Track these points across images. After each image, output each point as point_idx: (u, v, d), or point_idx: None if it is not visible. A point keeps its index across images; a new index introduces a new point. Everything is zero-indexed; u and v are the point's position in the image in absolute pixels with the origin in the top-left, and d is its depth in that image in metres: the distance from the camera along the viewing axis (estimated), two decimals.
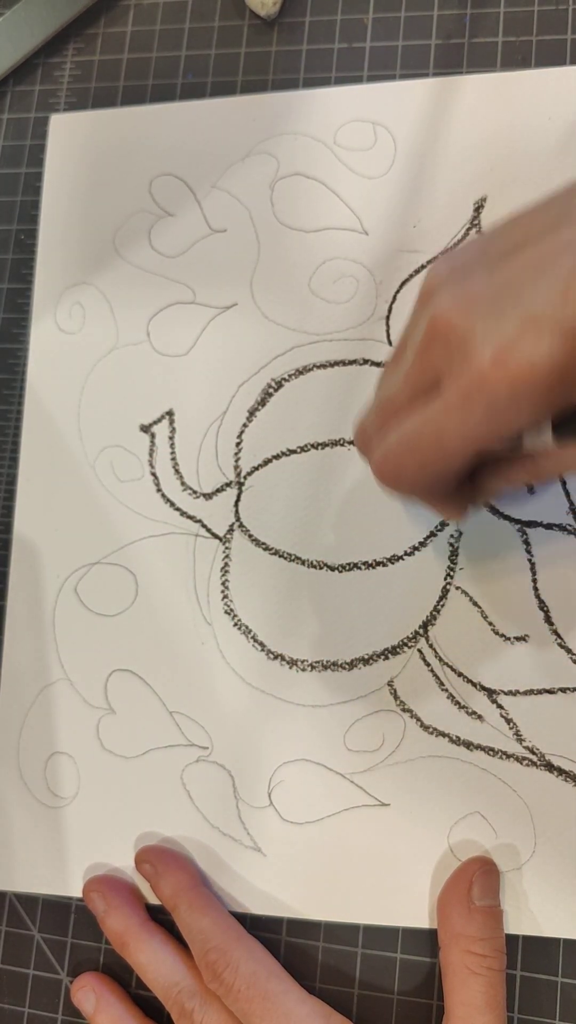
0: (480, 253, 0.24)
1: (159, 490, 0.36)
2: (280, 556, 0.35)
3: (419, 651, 0.33)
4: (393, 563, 0.34)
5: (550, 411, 0.23)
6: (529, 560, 0.33)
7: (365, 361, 0.35)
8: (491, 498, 0.32)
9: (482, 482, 0.28)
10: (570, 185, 0.24)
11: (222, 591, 0.35)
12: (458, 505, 0.28)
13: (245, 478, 0.36)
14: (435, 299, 0.24)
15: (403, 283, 0.35)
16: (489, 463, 0.27)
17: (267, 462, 0.35)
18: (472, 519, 0.33)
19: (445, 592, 0.33)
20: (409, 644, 0.33)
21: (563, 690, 0.32)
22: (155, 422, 0.37)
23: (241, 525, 0.35)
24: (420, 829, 0.32)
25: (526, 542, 0.33)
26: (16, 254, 0.40)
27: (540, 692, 0.32)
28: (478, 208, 0.35)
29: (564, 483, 0.33)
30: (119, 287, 0.38)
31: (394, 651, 0.33)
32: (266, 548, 0.35)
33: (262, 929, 0.32)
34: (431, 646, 0.33)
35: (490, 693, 0.32)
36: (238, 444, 0.36)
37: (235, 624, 0.35)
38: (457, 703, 0.32)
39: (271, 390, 0.36)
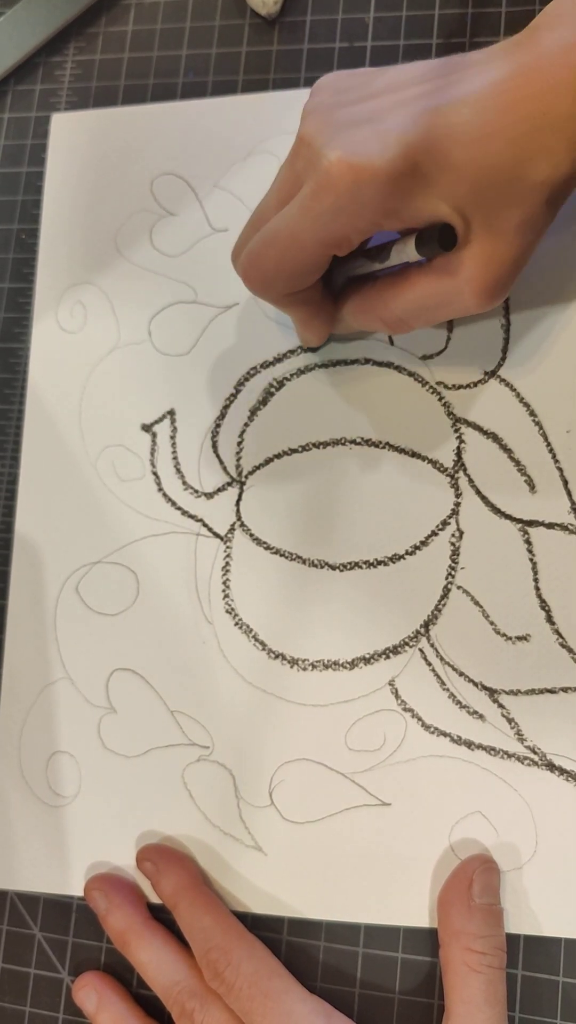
0: (355, 90, 0.28)
1: (160, 489, 0.36)
2: (281, 555, 0.35)
3: (420, 651, 0.33)
4: (394, 562, 0.34)
5: (389, 214, 0.26)
6: (531, 559, 0.33)
7: (366, 360, 0.35)
8: (352, 324, 0.32)
9: (343, 303, 0.32)
10: (448, 56, 0.28)
11: (223, 590, 0.35)
12: (319, 321, 0.32)
13: (246, 477, 0.36)
14: (307, 119, 0.28)
15: None
16: (350, 287, 0.31)
17: (268, 461, 0.35)
18: (471, 518, 0.33)
19: (446, 591, 0.33)
20: (410, 643, 0.33)
21: (564, 690, 0.32)
22: (156, 421, 0.37)
23: (242, 524, 0.35)
24: (421, 829, 0.32)
25: (527, 541, 0.33)
26: (17, 253, 0.40)
27: (541, 692, 0.32)
28: None
29: (566, 483, 0.33)
30: (120, 286, 0.38)
31: (395, 650, 0.33)
32: (267, 547, 0.35)
33: (263, 928, 0.32)
34: (432, 646, 0.33)
35: (491, 693, 0.32)
36: (239, 443, 0.36)
37: (236, 623, 0.35)
38: (458, 703, 0.32)
39: (272, 389, 0.36)
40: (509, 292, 0.29)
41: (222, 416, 0.36)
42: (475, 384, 0.34)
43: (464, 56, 0.27)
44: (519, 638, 0.32)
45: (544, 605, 0.32)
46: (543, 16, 0.26)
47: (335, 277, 0.32)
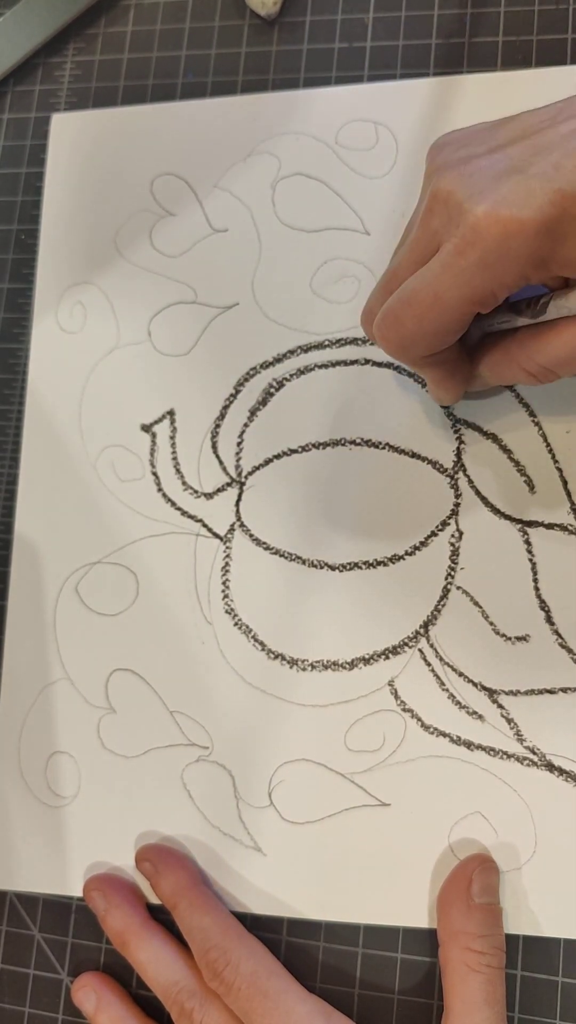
0: (481, 142, 0.27)
1: (160, 490, 0.36)
2: (281, 556, 0.35)
3: (420, 651, 0.33)
4: (394, 563, 0.34)
5: (538, 266, 0.25)
6: (530, 560, 0.33)
7: (366, 361, 0.35)
8: (490, 379, 0.31)
9: (481, 358, 0.30)
10: (567, 98, 0.27)
11: (223, 591, 0.35)
12: (455, 381, 0.30)
13: (246, 478, 0.36)
14: (439, 176, 0.26)
15: None
16: (488, 341, 0.30)
17: (268, 462, 0.35)
18: (471, 519, 0.33)
19: (446, 592, 0.33)
20: (410, 644, 0.33)
21: (564, 690, 0.32)
22: (156, 422, 0.37)
23: (242, 525, 0.35)
24: (420, 829, 0.32)
25: (527, 542, 0.33)
26: (17, 254, 0.40)
27: (541, 692, 0.32)
28: None
29: (565, 483, 0.33)
30: (120, 287, 0.38)
31: (395, 651, 0.33)
32: (267, 548, 0.35)
33: (263, 929, 0.32)
34: (432, 646, 0.33)
35: (491, 693, 0.32)
36: (239, 444, 0.36)
37: (236, 624, 0.35)
38: (458, 703, 0.32)
39: (272, 390, 0.36)
40: None
41: (222, 416, 0.36)
42: None
43: None
44: (519, 638, 0.32)
45: (544, 605, 0.32)
46: None
47: (471, 333, 0.30)
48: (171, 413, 0.37)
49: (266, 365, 0.36)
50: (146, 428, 0.37)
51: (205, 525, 0.36)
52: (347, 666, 0.33)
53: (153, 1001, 0.32)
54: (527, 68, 0.36)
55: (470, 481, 0.34)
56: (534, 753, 0.32)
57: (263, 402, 0.36)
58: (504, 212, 0.24)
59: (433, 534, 0.34)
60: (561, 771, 0.31)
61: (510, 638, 0.32)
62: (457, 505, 0.34)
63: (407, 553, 0.34)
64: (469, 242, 0.25)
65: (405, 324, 0.27)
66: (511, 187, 0.24)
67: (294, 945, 0.32)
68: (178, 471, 0.36)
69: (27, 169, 0.40)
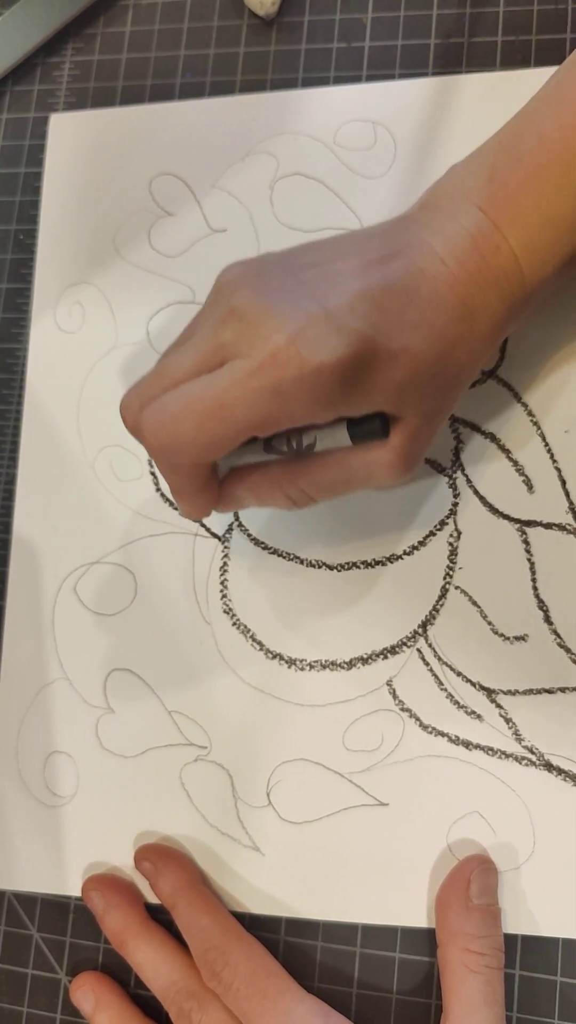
0: (275, 264, 0.27)
1: (158, 489, 0.36)
2: (279, 555, 0.35)
3: (418, 651, 0.33)
4: (392, 562, 0.34)
5: (327, 406, 0.25)
6: (528, 560, 0.33)
7: None
8: (246, 501, 0.30)
9: (240, 480, 0.29)
10: (367, 228, 0.28)
11: (221, 591, 0.35)
12: (205, 497, 0.29)
13: None
14: (236, 292, 0.26)
15: None
16: (240, 472, 0.29)
17: None
18: (469, 518, 0.33)
19: (444, 591, 0.33)
20: (408, 644, 0.33)
21: (562, 690, 0.32)
22: None
23: (240, 525, 0.35)
24: (419, 829, 0.32)
25: (525, 542, 0.33)
26: (15, 254, 0.40)
27: (539, 692, 0.32)
28: None
29: (564, 483, 0.33)
30: (119, 287, 0.38)
31: (393, 651, 0.33)
32: (265, 547, 0.35)
33: (261, 928, 0.32)
34: (430, 646, 0.33)
35: (489, 693, 0.32)
36: None
37: (234, 624, 0.35)
38: (456, 703, 0.32)
39: None
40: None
41: None
42: (473, 384, 0.34)
43: (388, 228, 0.28)
44: (517, 638, 0.32)
45: (542, 605, 0.32)
46: (433, 197, 0.28)
47: (231, 460, 0.30)
48: None
49: None
50: None
51: (203, 525, 0.36)
52: (345, 666, 0.33)
53: (152, 1001, 0.32)
54: (526, 68, 0.36)
55: (468, 480, 0.34)
56: (532, 753, 0.32)
57: None
58: (305, 352, 0.24)
59: (431, 534, 0.34)
60: (560, 771, 0.31)
61: (508, 638, 0.32)
62: (455, 505, 0.34)
63: (405, 553, 0.34)
64: (266, 368, 0.24)
65: (181, 427, 0.26)
66: (310, 319, 0.25)
67: (292, 945, 0.32)
68: None
69: (26, 169, 0.40)
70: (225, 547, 0.35)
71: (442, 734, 0.32)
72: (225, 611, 0.35)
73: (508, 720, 0.32)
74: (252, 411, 0.25)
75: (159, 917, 0.33)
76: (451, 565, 0.33)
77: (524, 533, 0.33)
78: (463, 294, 0.26)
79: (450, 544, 0.33)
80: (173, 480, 0.28)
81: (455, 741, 0.32)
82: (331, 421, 0.27)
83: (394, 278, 0.26)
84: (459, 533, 0.33)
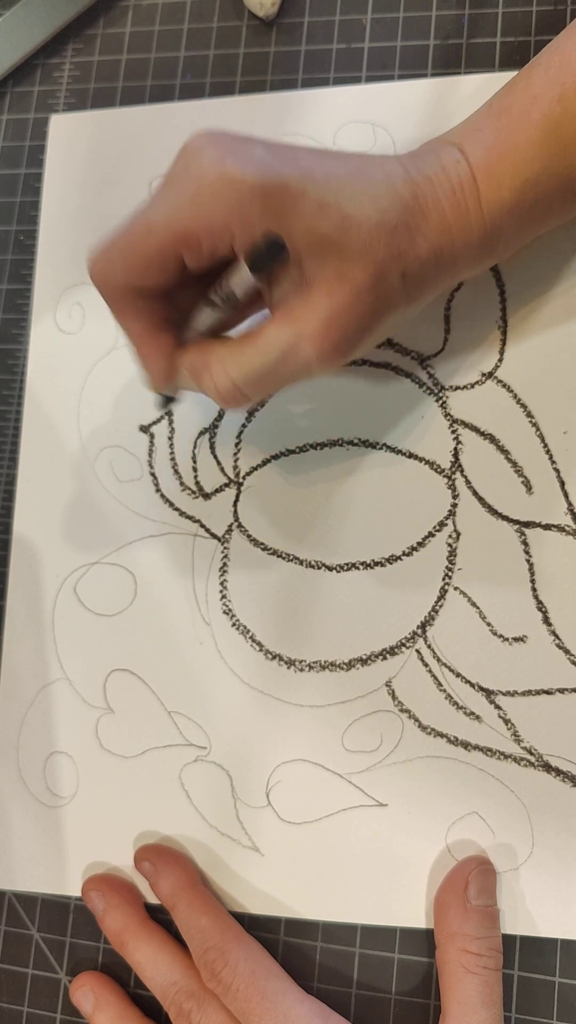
0: (243, 137, 0.29)
1: (158, 490, 0.36)
2: (279, 556, 0.35)
3: (417, 651, 0.33)
4: (391, 563, 0.34)
5: (243, 223, 0.26)
6: (528, 561, 0.33)
7: (364, 361, 0.35)
8: (189, 382, 0.31)
9: (178, 358, 0.30)
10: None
11: (221, 591, 0.35)
12: (153, 349, 0.30)
13: (244, 478, 0.36)
14: (194, 139, 0.28)
15: None
16: (187, 346, 0.30)
17: (266, 462, 0.36)
18: (468, 519, 0.33)
19: (443, 592, 0.33)
20: (407, 644, 0.33)
21: (561, 691, 0.32)
22: (154, 422, 0.37)
23: (240, 525, 0.35)
24: (418, 829, 0.32)
25: (524, 543, 0.33)
26: (15, 255, 0.40)
27: (538, 693, 0.32)
28: None
29: (563, 484, 0.33)
30: None
31: (392, 651, 0.33)
32: (265, 548, 0.35)
33: (260, 929, 0.33)
34: (429, 646, 0.33)
35: (488, 693, 0.32)
36: (237, 444, 0.36)
37: (233, 624, 0.35)
38: (455, 703, 0.32)
39: None
40: (350, 358, 0.29)
41: (220, 417, 0.36)
42: (472, 385, 0.34)
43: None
44: (516, 639, 0.32)
45: (541, 606, 0.32)
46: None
47: (186, 332, 0.30)
48: (169, 414, 0.37)
49: None
50: (144, 429, 0.37)
51: (203, 526, 0.36)
52: (345, 666, 0.33)
53: (151, 1001, 0.32)
54: None
55: (467, 482, 0.34)
56: (531, 753, 0.32)
57: (261, 403, 0.36)
58: (229, 163, 0.26)
59: (430, 535, 0.34)
60: (558, 771, 0.31)
61: (507, 639, 0.32)
62: (454, 506, 0.34)
63: (404, 554, 0.34)
64: (187, 176, 0.27)
65: (113, 248, 0.28)
66: (246, 149, 0.27)
67: (291, 945, 0.32)
68: (176, 472, 0.36)
69: (26, 170, 0.40)
70: (225, 548, 0.35)
71: (441, 735, 0.32)
72: (225, 611, 0.35)
73: (507, 721, 0.32)
74: (172, 220, 0.27)
75: (159, 917, 0.33)
76: (450, 566, 0.33)
77: (523, 534, 0.33)
78: (415, 192, 0.28)
79: (449, 545, 0.33)
80: (124, 324, 0.30)
81: (454, 742, 0.32)
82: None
83: (349, 161, 0.28)
84: (458, 534, 0.33)
